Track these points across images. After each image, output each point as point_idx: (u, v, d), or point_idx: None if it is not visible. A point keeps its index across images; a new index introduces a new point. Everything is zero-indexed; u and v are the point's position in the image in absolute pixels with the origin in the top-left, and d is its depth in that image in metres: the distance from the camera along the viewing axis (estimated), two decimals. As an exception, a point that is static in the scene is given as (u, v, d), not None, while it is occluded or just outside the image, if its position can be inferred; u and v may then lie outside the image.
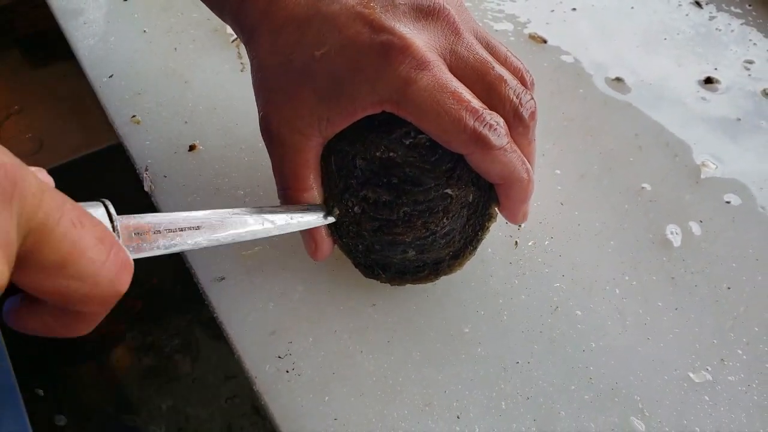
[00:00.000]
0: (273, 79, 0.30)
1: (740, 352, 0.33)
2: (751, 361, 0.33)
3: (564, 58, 0.47)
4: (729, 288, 0.35)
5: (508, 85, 0.29)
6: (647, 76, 0.45)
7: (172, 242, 0.26)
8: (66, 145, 0.55)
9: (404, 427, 0.30)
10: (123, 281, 0.21)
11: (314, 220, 0.31)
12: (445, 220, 0.30)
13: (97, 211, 0.23)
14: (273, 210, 0.29)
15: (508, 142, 0.28)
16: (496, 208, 0.32)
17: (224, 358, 0.66)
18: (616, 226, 0.38)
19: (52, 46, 0.57)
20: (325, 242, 0.32)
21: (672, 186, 0.40)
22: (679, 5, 0.50)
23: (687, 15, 0.49)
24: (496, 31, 0.48)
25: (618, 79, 0.45)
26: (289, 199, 0.31)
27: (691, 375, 0.32)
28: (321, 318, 0.34)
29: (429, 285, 0.35)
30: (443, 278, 0.34)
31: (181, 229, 0.26)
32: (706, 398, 0.32)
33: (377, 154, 0.30)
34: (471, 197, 0.31)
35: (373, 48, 0.27)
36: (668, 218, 0.38)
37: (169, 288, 0.66)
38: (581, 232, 0.37)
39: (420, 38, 0.28)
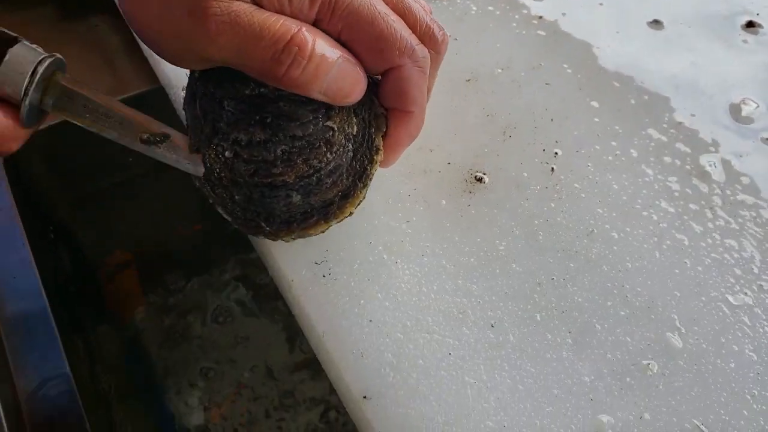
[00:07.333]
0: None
1: (780, 277, 0.32)
2: (791, 286, 0.32)
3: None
4: (769, 217, 0.35)
5: (420, 12, 0.28)
6: (686, 18, 0.45)
7: (93, 122, 0.27)
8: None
9: (439, 332, 0.30)
10: None
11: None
12: (329, 155, 0.28)
13: (38, 55, 0.26)
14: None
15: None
16: (381, 138, 0.30)
17: (245, 325, 0.66)
18: (654, 157, 0.37)
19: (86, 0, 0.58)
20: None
21: (711, 121, 0.39)
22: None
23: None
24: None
25: (656, 21, 0.45)
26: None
27: (730, 298, 0.32)
28: (356, 232, 0.34)
29: (462, 205, 0.35)
30: (473, 201, 0.34)
31: (108, 116, 0.27)
32: (745, 319, 0.31)
33: (246, 92, 0.27)
34: (355, 129, 0.29)
35: None
36: (706, 151, 0.38)
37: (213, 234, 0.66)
38: (618, 162, 0.37)
39: None
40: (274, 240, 0.31)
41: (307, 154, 0.27)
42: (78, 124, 0.28)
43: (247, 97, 0.27)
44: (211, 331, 0.66)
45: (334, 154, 0.28)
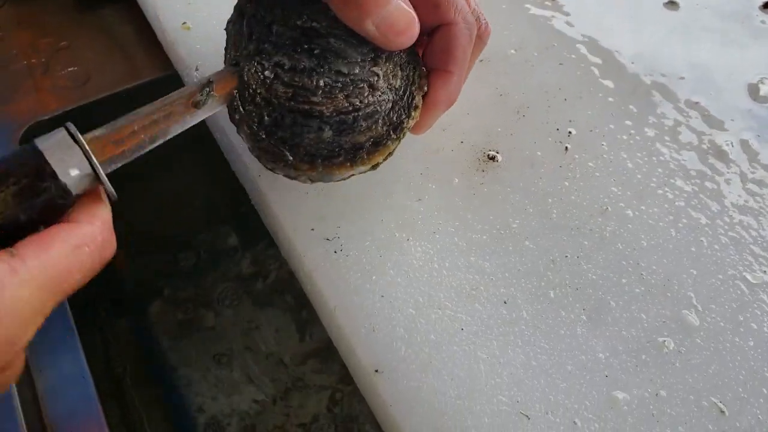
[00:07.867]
0: None
1: (800, 255, 0.32)
2: (811, 265, 0.31)
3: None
4: (788, 196, 0.34)
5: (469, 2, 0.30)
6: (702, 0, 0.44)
7: (151, 138, 0.26)
8: (111, 79, 0.56)
9: (451, 308, 0.30)
10: (107, 257, 0.23)
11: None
12: (370, 98, 0.28)
13: (58, 135, 0.23)
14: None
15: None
16: (421, 97, 0.30)
17: (249, 312, 0.66)
18: (670, 136, 0.37)
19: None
20: None
21: (727, 101, 0.38)
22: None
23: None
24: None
25: (672, 2, 0.44)
26: None
27: (748, 276, 0.31)
28: (367, 209, 0.33)
29: (475, 184, 0.35)
30: (485, 179, 0.33)
31: (156, 122, 0.26)
32: (764, 298, 0.30)
33: (298, 22, 0.28)
34: (398, 82, 0.29)
35: None
36: (723, 130, 0.37)
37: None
38: (632, 141, 0.36)
39: None
40: (291, 176, 0.30)
41: (349, 91, 0.28)
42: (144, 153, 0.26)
43: (297, 27, 0.28)
44: (222, 321, 0.66)
45: (375, 97, 0.28)
